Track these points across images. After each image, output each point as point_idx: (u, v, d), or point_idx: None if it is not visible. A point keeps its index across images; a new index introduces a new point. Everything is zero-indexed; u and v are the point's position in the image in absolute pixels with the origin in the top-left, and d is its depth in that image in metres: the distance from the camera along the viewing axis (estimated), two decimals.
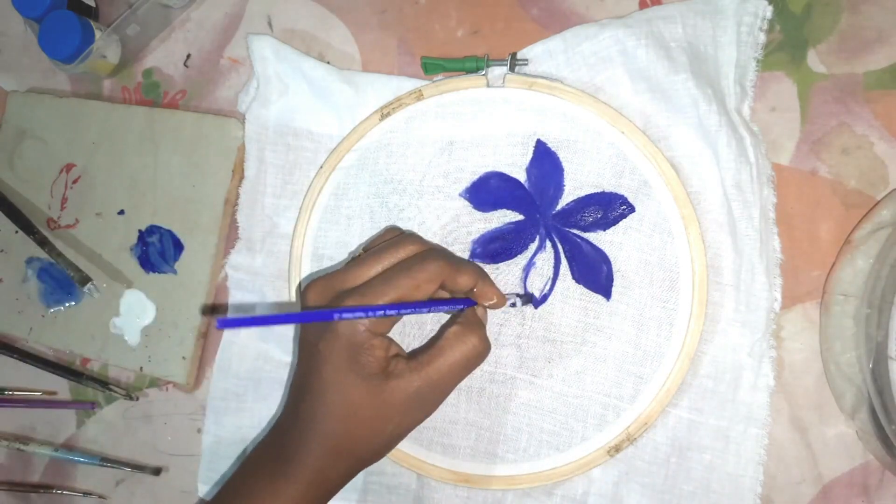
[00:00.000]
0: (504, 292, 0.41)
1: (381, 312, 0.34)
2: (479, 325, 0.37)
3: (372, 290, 0.35)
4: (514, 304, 0.41)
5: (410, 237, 0.39)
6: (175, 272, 0.51)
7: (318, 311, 0.34)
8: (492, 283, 0.39)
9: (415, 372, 0.35)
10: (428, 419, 0.44)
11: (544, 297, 0.43)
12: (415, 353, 0.37)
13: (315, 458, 0.35)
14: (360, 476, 0.46)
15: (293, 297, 0.47)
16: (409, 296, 0.35)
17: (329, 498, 0.37)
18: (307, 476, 0.35)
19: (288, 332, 0.48)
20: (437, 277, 0.36)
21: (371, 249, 0.38)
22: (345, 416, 0.35)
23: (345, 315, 0.33)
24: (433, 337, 0.42)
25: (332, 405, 0.35)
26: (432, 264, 0.36)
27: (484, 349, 0.37)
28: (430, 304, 0.37)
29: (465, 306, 0.38)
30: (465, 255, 0.44)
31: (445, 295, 0.39)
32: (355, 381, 0.35)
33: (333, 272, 0.37)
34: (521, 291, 0.43)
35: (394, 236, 0.39)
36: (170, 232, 0.51)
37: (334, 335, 0.35)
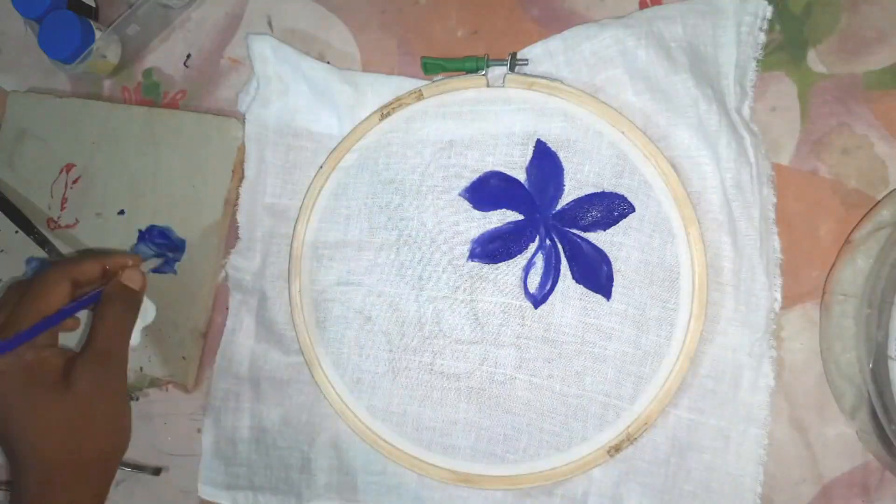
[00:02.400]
0: (506, 290, 0.42)
1: (25, 338, 0.36)
2: (116, 295, 0.41)
3: (12, 320, 0.37)
4: (161, 259, 0.47)
5: (36, 271, 0.43)
6: (175, 272, 0.51)
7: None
8: (116, 253, 0.46)
9: (86, 360, 0.37)
10: (428, 419, 0.44)
11: (544, 297, 0.43)
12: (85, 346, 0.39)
13: (37, 486, 0.35)
14: (360, 476, 0.46)
15: (293, 297, 0.47)
16: (47, 310, 0.38)
17: None
18: None
19: (288, 332, 0.48)
20: (64, 287, 0.39)
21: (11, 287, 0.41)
22: (45, 435, 0.35)
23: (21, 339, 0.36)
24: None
25: (26, 432, 0.35)
26: (52, 279, 0.39)
27: (125, 311, 0.41)
28: (69, 309, 0.39)
29: (96, 299, 0.41)
30: (465, 255, 0.44)
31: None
32: (42, 399, 0.36)
33: None
34: (522, 292, 0.43)
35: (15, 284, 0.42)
36: (170, 231, 0.51)
37: (1, 375, 0.36)
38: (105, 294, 0.41)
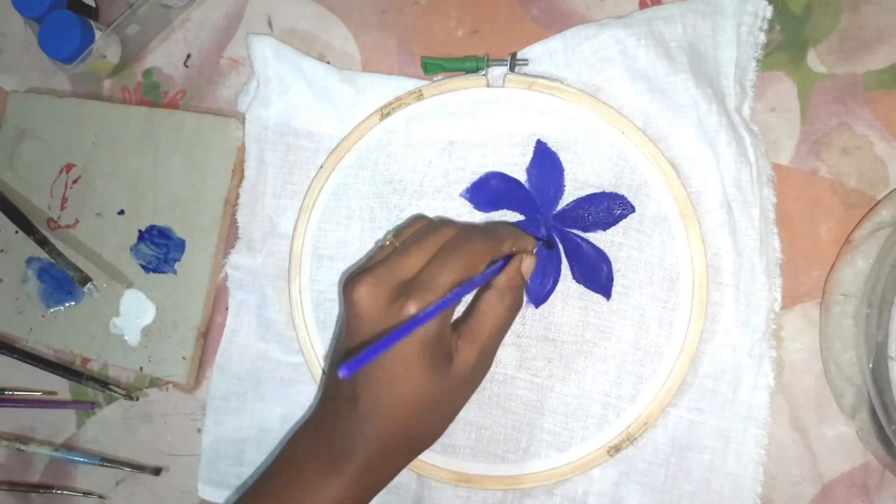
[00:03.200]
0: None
1: (447, 304, 0.34)
2: (515, 285, 0.37)
3: (433, 280, 0.35)
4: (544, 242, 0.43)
5: (444, 222, 0.39)
6: (175, 272, 0.51)
7: (407, 324, 0.33)
8: (524, 235, 0.39)
9: (471, 344, 0.36)
10: None
11: (545, 297, 0.43)
12: (458, 325, 0.37)
13: (372, 453, 0.35)
14: None
15: (294, 297, 0.47)
16: (466, 277, 0.35)
17: (380, 489, 0.37)
18: (362, 470, 0.35)
19: (288, 332, 0.48)
20: (486, 255, 0.36)
21: (409, 238, 0.38)
22: (413, 407, 0.35)
23: (426, 318, 0.33)
24: (470, 304, 0.40)
25: (400, 400, 0.35)
26: (479, 244, 0.36)
27: (519, 306, 0.38)
28: (481, 279, 0.37)
29: (504, 264, 0.38)
30: None
31: None
32: (427, 375, 0.34)
33: (375, 266, 0.36)
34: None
35: (425, 223, 0.39)
36: (171, 231, 0.51)
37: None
38: (501, 281, 0.37)
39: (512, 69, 0.44)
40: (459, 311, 0.41)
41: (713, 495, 0.41)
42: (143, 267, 0.51)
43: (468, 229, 0.37)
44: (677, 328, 0.41)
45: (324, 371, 0.46)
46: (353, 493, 0.35)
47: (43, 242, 0.52)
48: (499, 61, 0.45)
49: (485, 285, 0.38)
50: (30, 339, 0.55)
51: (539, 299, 0.43)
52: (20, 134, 0.56)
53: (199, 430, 0.50)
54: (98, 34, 0.52)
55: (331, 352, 0.46)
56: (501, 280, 0.37)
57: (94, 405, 0.54)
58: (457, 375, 0.36)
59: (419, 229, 0.39)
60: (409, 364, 0.34)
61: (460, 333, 0.36)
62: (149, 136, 0.52)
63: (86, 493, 0.53)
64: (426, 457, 0.44)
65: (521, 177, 0.44)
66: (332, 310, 0.47)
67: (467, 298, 0.41)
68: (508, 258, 0.38)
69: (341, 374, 0.28)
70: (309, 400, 0.47)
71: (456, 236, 0.37)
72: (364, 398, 0.35)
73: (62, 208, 0.54)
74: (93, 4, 0.55)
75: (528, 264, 0.38)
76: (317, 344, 0.47)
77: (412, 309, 0.34)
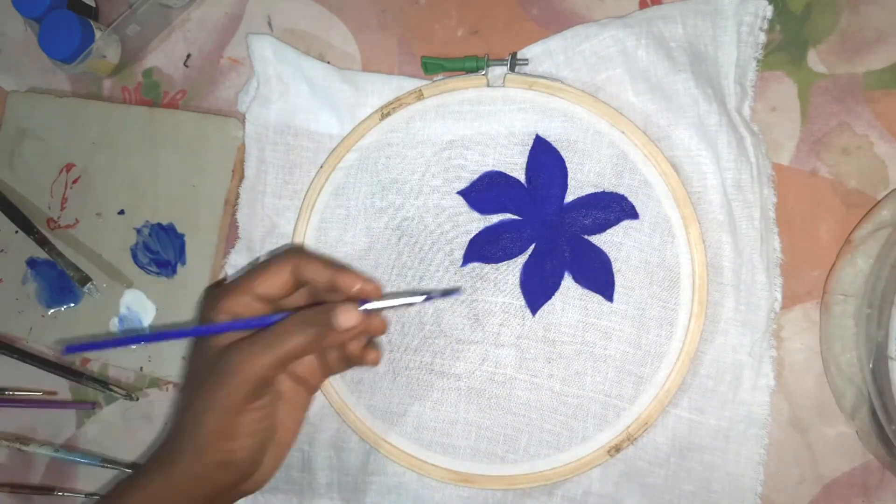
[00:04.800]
0: (498, 291, 0.41)
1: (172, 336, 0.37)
2: (305, 317, 0.35)
3: (232, 284, 0.37)
4: (428, 298, 0.36)
5: (284, 248, 0.41)
6: (175, 272, 0.51)
7: (172, 331, 0.36)
8: (351, 272, 0.36)
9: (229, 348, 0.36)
10: (428, 419, 0.44)
11: (544, 299, 0.43)
12: None
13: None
14: (360, 476, 0.46)
15: None
16: (264, 283, 0.36)
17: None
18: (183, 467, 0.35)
19: None
20: (284, 265, 0.36)
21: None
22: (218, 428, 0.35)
23: (201, 332, 0.36)
24: None
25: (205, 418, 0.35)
26: (284, 253, 0.37)
27: (299, 334, 0.34)
28: (267, 320, 0.36)
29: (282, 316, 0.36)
30: (465, 255, 0.44)
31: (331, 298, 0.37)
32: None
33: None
34: (520, 294, 0.43)
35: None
36: (172, 230, 0.51)
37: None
38: (300, 315, 0.35)
39: (512, 69, 0.44)
40: None
41: (713, 495, 0.41)
42: (142, 267, 0.51)
43: (293, 247, 0.40)
44: (677, 328, 0.41)
45: None
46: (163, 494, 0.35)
47: (43, 242, 0.52)
48: (499, 61, 0.45)
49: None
50: (30, 339, 0.55)
51: (536, 306, 0.43)
52: (20, 134, 0.56)
53: None
54: (98, 34, 0.52)
55: None
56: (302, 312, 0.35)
57: (94, 405, 0.54)
58: (201, 367, 0.36)
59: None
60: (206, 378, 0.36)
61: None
62: (149, 136, 0.52)
63: (88, 495, 0.53)
64: (426, 457, 0.44)
65: (521, 176, 0.44)
66: None
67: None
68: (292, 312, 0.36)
69: (63, 351, 0.32)
70: None
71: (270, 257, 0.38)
72: (182, 413, 0.37)
73: (62, 208, 0.54)
74: (93, 4, 0.55)
75: (344, 313, 0.34)
76: None
77: (206, 301, 0.37)
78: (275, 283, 0.36)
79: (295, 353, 0.34)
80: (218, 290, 0.37)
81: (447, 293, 0.38)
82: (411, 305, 0.37)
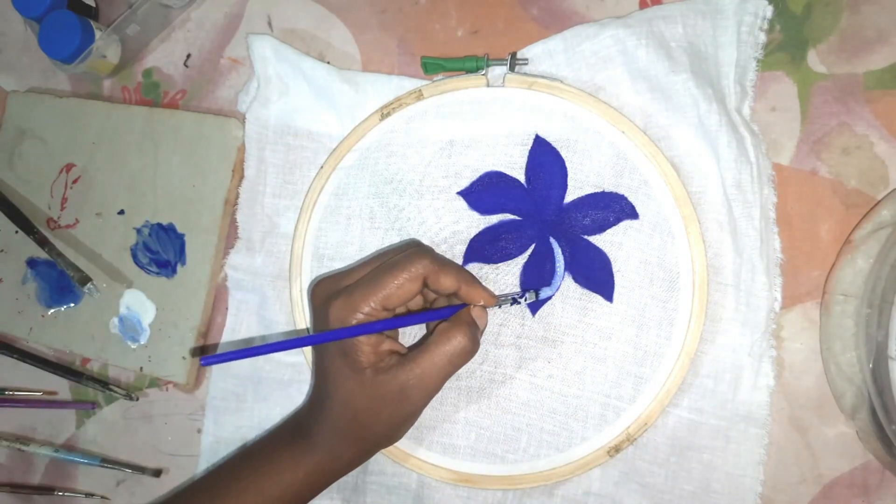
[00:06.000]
0: (502, 293, 0.41)
1: (361, 330, 0.37)
2: (468, 325, 0.38)
3: (358, 290, 0.37)
4: (515, 301, 0.41)
5: (411, 244, 0.40)
6: (175, 272, 0.51)
7: (300, 338, 0.38)
8: (478, 285, 0.39)
9: (402, 367, 0.37)
10: (428, 419, 0.44)
11: (546, 298, 0.43)
12: (410, 349, 0.39)
13: (326, 438, 0.39)
14: (360, 476, 0.46)
15: (294, 297, 0.47)
16: (394, 294, 0.37)
17: (345, 472, 0.41)
18: (321, 451, 0.39)
19: (288, 332, 0.48)
20: (418, 275, 0.37)
21: (373, 256, 0.40)
22: (343, 402, 0.38)
23: (329, 338, 0.37)
24: (425, 334, 0.43)
25: (333, 394, 0.39)
26: (415, 263, 0.37)
27: (469, 348, 0.38)
28: (417, 316, 0.39)
29: (450, 314, 0.39)
30: (465, 255, 0.44)
31: (443, 301, 0.41)
32: (348, 374, 0.38)
33: (337, 273, 0.40)
34: (520, 292, 0.43)
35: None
36: (172, 229, 0.51)
37: (326, 329, 0.38)
38: (457, 318, 0.38)
39: (512, 69, 0.44)
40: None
41: (713, 495, 0.41)
42: (142, 267, 0.51)
43: (415, 252, 0.38)
44: (677, 328, 0.41)
45: None
46: (310, 477, 0.39)
47: (43, 242, 0.52)
48: (499, 61, 0.45)
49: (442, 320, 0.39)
50: (30, 339, 0.55)
51: (536, 306, 0.43)
52: (20, 134, 0.56)
53: (199, 431, 0.50)
54: (98, 34, 0.52)
55: None
56: (455, 317, 0.39)
57: (94, 405, 0.54)
58: (382, 387, 0.37)
59: (392, 249, 0.41)
60: (331, 358, 0.38)
61: (404, 357, 0.38)
62: (149, 136, 0.52)
63: (88, 495, 0.53)
64: (426, 457, 0.44)
65: (521, 176, 0.44)
66: None
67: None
68: (457, 308, 0.39)
69: (201, 363, 0.34)
70: None
71: (403, 254, 0.38)
72: (316, 391, 0.41)
73: (62, 208, 0.54)
74: (93, 4, 0.55)
75: (477, 313, 0.39)
76: None
77: (334, 306, 0.37)
78: (405, 296, 0.37)
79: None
80: (346, 296, 0.37)
81: (541, 299, 0.42)
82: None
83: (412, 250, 0.39)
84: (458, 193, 0.45)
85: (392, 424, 0.39)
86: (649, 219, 0.42)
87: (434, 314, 0.40)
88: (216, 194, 0.50)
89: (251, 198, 0.49)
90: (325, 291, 0.39)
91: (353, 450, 0.40)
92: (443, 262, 0.38)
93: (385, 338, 0.39)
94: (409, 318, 0.39)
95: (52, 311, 0.54)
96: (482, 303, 0.39)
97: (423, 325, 0.44)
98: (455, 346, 0.37)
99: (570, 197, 0.43)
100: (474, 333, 0.38)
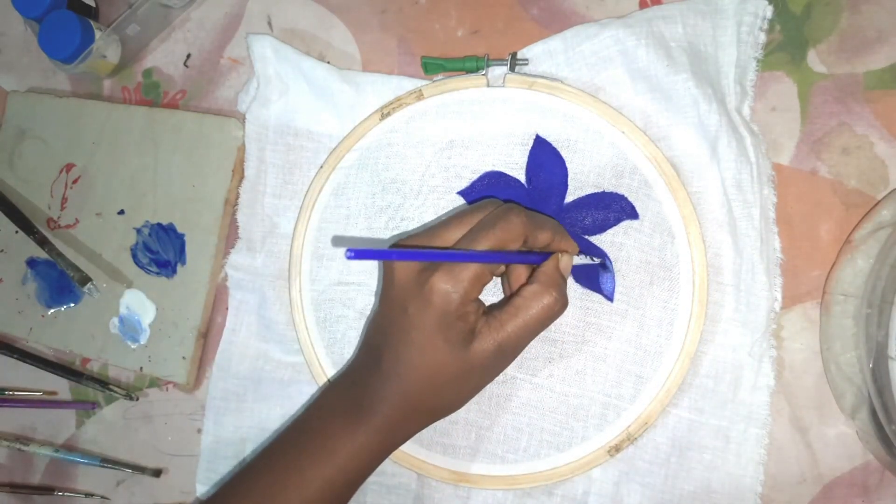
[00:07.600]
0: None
1: (474, 258, 0.35)
2: (555, 283, 0.37)
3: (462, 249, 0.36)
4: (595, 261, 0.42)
5: (489, 201, 0.39)
6: (175, 272, 0.51)
7: (435, 252, 0.36)
8: (567, 235, 0.39)
9: (494, 331, 0.36)
10: None
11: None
12: (492, 310, 0.37)
13: (393, 411, 0.37)
14: None
15: (294, 297, 0.47)
16: (502, 242, 0.36)
17: (400, 445, 0.39)
18: (383, 425, 0.37)
19: (288, 332, 0.48)
20: (519, 235, 0.36)
21: (454, 214, 0.39)
22: (429, 376, 0.36)
23: (454, 258, 0.35)
24: (511, 294, 0.40)
25: (417, 366, 0.36)
26: (514, 222, 0.36)
27: (560, 306, 0.37)
28: (515, 256, 0.37)
29: (541, 260, 0.38)
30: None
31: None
32: (443, 347, 0.35)
33: (417, 235, 0.38)
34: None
35: (488, 203, 0.39)
36: (172, 230, 0.51)
37: (426, 303, 0.35)
38: (545, 278, 0.37)
39: (512, 69, 0.44)
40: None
41: (713, 495, 0.41)
42: (142, 267, 0.51)
43: (508, 210, 0.37)
44: (677, 328, 0.41)
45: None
46: (372, 447, 0.37)
47: (43, 242, 0.52)
48: (499, 61, 0.45)
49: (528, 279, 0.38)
50: (30, 339, 0.55)
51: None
52: (20, 134, 0.56)
53: (199, 430, 0.50)
54: (98, 34, 0.52)
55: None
56: (541, 275, 0.37)
57: (94, 405, 0.54)
58: (472, 358, 0.36)
59: (467, 207, 0.39)
60: (425, 332, 0.35)
61: (489, 319, 0.37)
62: (149, 136, 0.52)
63: (88, 495, 0.53)
64: (426, 457, 0.44)
65: (521, 176, 0.44)
66: (332, 309, 0.47)
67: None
68: (544, 255, 0.38)
69: (347, 255, 0.29)
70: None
71: (495, 212, 0.37)
72: (386, 358, 0.37)
73: (62, 208, 0.54)
74: (93, 4, 0.55)
75: (566, 263, 0.38)
76: (317, 344, 0.47)
77: (437, 278, 0.35)
78: (511, 239, 0.36)
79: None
80: (447, 266, 0.36)
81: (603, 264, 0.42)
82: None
83: (503, 209, 0.37)
84: (459, 193, 0.45)
85: (473, 392, 0.38)
86: (649, 219, 0.42)
87: (521, 256, 0.38)
88: (216, 194, 0.50)
89: (251, 198, 0.49)
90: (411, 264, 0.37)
91: (417, 423, 0.39)
92: (536, 219, 0.37)
93: (480, 303, 0.38)
94: (505, 255, 0.37)
95: (52, 311, 0.54)
96: (572, 251, 0.39)
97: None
98: (545, 306, 0.36)
99: (570, 197, 0.43)
100: (564, 289, 0.37)
